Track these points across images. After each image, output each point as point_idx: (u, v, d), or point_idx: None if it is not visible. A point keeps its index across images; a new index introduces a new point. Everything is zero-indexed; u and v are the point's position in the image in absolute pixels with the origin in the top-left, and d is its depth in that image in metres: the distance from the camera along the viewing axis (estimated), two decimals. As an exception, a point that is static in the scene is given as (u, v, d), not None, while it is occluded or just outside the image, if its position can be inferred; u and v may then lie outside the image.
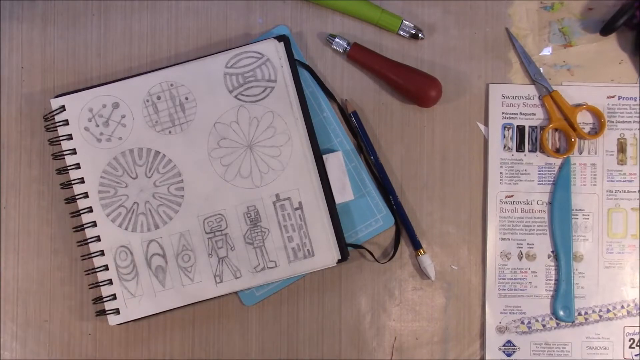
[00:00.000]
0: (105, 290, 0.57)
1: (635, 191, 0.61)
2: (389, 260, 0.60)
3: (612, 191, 0.61)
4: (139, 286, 0.57)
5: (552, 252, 0.60)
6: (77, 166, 0.58)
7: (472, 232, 0.61)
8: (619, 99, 0.61)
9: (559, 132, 0.61)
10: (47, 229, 0.60)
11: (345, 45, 0.60)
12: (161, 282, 0.57)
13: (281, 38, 0.58)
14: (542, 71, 0.61)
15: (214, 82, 0.58)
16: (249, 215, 0.58)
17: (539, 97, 0.61)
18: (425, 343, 0.60)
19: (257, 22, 0.61)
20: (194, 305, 0.59)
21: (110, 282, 0.57)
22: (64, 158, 0.58)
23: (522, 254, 0.60)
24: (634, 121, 0.61)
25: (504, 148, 0.61)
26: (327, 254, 0.57)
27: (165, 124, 0.58)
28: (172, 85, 0.58)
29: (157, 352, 0.60)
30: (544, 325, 0.60)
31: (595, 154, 0.61)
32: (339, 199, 0.58)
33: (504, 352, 0.60)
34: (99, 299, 0.57)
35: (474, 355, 0.60)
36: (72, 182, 0.58)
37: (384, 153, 0.61)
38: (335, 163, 0.59)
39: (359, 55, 0.60)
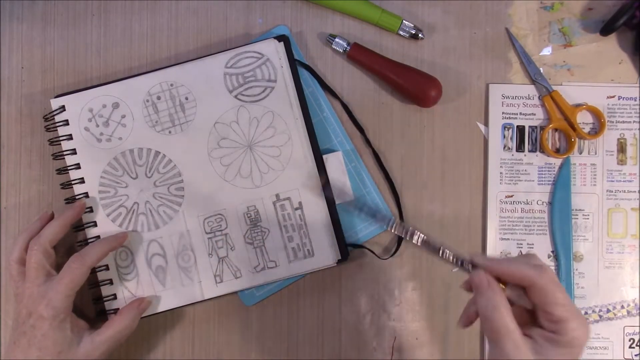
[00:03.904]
0: (105, 290, 0.57)
1: (635, 191, 0.61)
2: (392, 255, 0.60)
3: (612, 191, 0.61)
4: (139, 286, 0.57)
5: (552, 252, 0.60)
6: (77, 166, 0.57)
7: (472, 232, 0.61)
8: (619, 99, 0.61)
9: (559, 132, 0.61)
10: (47, 229, 0.60)
11: (345, 45, 0.60)
12: (161, 282, 0.57)
13: (281, 38, 0.58)
14: (542, 71, 0.61)
15: (214, 82, 0.58)
16: (249, 215, 0.58)
17: (539, 97, 0.61)
18: (425, 343, 0.60)
19: (257, 22, 0.61)
20: (194, 305, 0.59)
21: (110, 282, 0.57)
22: (64, 158, 0.58)
23: (522, 254, 0.60)
24: (634, 121, 0.61)
25: (504, 148, 0.61)
26: (327, 253, 0.57)
27: (165, 124, 0.58)
28: (172, 85, 0.58)
29: (157, 352, 0.60)
30: (544, 325, 0.60)
31: (595, 154, 0.61)
32: (339, 199, 0.58)
33: (504, 352, 0.60)
34: (99, 299, 0.57)
35: (473, 355, 0.60)
36: (72, 182, 0.58)
37: (384, 153, 0.61)
38: (335, 163, 0.59)
39: (359, 55, 0.60)
